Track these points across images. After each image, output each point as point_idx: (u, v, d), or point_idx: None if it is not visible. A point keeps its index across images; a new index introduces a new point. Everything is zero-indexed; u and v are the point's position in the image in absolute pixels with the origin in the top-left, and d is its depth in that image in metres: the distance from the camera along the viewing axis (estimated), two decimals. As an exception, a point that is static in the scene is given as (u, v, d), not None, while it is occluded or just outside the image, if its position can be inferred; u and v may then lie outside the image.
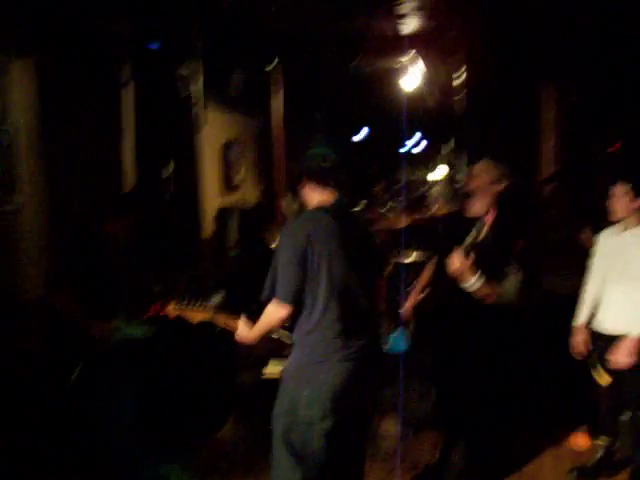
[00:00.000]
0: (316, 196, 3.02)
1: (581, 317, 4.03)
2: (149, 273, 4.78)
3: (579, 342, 4.01)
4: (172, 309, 3.13)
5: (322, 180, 2.99)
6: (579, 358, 4.02)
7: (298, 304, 2.82)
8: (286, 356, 2.99)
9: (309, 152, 3.10)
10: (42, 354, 4.52)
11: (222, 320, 3.04)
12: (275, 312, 2.84)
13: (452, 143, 9.68)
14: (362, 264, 2.93)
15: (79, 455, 4.16)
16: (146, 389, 4.19)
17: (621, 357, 3.69)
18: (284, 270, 2.81)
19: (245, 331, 2.99)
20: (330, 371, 2.81)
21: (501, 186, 3.64)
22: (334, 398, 2.80)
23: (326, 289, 2.80)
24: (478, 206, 3.66)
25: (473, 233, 3.42)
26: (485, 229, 3.39)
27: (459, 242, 3.55)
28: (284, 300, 2.81)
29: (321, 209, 2.96)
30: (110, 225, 3.92)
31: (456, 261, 3.43)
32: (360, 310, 2.91)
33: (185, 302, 3.11)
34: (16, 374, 4.37)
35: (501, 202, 3.64)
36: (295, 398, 2.84)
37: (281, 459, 2.89)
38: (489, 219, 3.42)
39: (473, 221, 3.63)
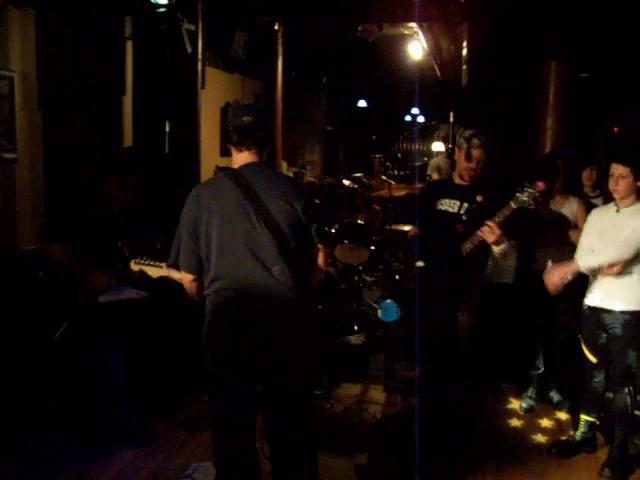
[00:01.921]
0: (234, 157, 2.91)
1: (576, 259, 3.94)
2: (146, 231, 4.79)
3: (559, 272, 3.92)
4: (133, 264, 3.14)
5: (232, 139, 2.86)
6: (551, 288, 3.94)
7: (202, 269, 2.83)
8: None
9: (233, 111, 3.03)
10: (32, 307, 4.52)
11: (177, 275, 3.01)
12: (184, 278, 2.88)
13: (451, 117, 9.61)
14: (276, 230, 2.76)
15: (65, 410, 4.19)
16: (136, 345, 4.22)
17: None
18: (180, 239, 2.83)
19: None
20: (218, 333, 2.81)
21: (486, 158, 3.80)
22: (225, 359, 2.80)
23: (216, 257, 2.76)
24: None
25: (523, 199, 3.44)
26: (536, 196, 3.42)
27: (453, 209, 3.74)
28: (185, 269, 2.84)
29: (227, 172, 2.88)
30: (108, 183, 3.90)
31: (496, 230, 3.47)
32: (261, 277, 2.75)
33: (144, 259, 3.12)
34: (5, 328, 4.38)
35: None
36: (205, 356, 2.89)
37: (214, 421, 2.96)
38: (541, 187, 3.43)
39: (464, 188, 3.76)
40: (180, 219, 2.85)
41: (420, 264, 4.07)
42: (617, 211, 3.84)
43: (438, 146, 13.97)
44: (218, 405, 2.92)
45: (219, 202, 2.78)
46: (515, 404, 4.78)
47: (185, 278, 2.88)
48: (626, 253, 3.69)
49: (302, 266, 2.89)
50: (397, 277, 6.42)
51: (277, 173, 3.04)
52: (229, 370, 2.83)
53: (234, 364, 2.81)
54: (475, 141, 3.75)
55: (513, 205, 3.47)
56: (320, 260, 2.98)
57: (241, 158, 2.88)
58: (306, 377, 2.97)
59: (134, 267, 3.14)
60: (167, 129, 6.05)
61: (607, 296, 3.83)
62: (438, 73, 9.74)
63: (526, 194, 3.44)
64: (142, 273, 3.15)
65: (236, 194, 2.77)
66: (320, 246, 2.95)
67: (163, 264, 3.06)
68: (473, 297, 3.84)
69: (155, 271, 3.11)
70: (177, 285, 3.03)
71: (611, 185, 3.81)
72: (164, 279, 3.10)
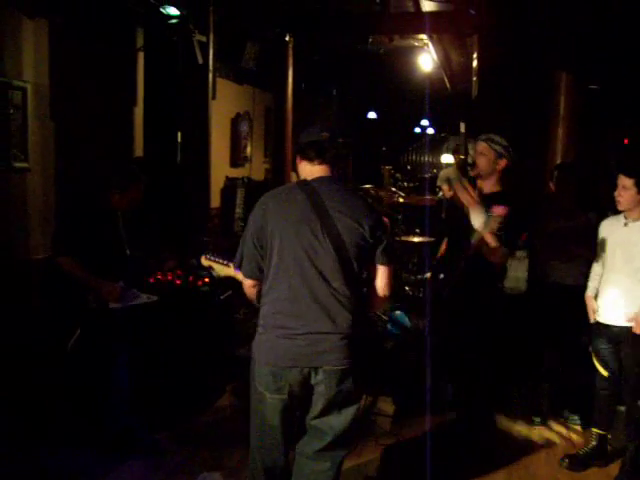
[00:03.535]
0: (305, 171, 2.91)
1: (590, 288, 4.08)
2: (155, 241, 4.80)
3: (591, 310, 4.04)
4: (204, 259, 3.15)
5: (309, 155, 2.88)
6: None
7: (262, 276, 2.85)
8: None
9: (306, 127, 3.04)
10: (43, 315, 4.53)
11: (241, 277, 3.00)
12: (243, 282, 2.93)
13: (462, 127, 9.61)
14: (339, 246, 2.73)
15: (75, 420, 4.19)
16: (144, 356, 4.22)
17: None
18: (244, 245, 2.85)
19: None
20: (269, 345, 2.79)
21: (504, 162, 3.74)
22: (274, 374, 2.76)
23: (275, 267, 2.77)
24: (488, 185, 3.81)
25: (490, 225, 3.47)
26: (500, 221, 3.43)
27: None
28: (244, 275, 2.89)
29: (297, 184, 2.88)
30: (112, 195, 3.91)
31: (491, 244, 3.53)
32: (320, 288, 2.74)
33: (215, 256, 3.13)
34: (16, 335, 4.39)
35: (506, 179, 3.76)
36: (252, 368, 2.87)
37: (250, 425, 2.94)
38: (501, 212, 3.43)
39: (485, 198, 3.71)
40: (246, 225, 2.88)
41: (428, 275, 4.08)
42: (625, 225, 3.83)
43: (447, 158, 13.94)
44: (260, 413, 2.87)
45: (286, 211, 2.78)
46: (527, 417, 4.74)
47: (246, 283, 2.92)
48: None
49: (360, 288, 2.86)
50: (407, 288, 6.43)
51: (348, 190, 2.98)
52: (275, 386, 2.78)
53: (278, 389, 2.78)
54: (482, 137, 3.80)
55: (482, 232, 3.53)
56: (380, 282, 2.87)
57: (315, 171, 2.88)
58: (354, 402, 3.00)
59: (204, 262, 3.16)
60: (179, 139, 6.07)
61: (617, 311, 3.81)
62: (448, 85, 9.76)
63: (492, 220, 3.47)
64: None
65: (304, 205, 2.77)
66: (382, 267, 2.85)
67: (231, 264, 3.06)
68: (486, 310, 3.80)
69: (222, 269, 3.13)
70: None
71: (615, 194, 3.82)
72: (230, 278, 3.13)
